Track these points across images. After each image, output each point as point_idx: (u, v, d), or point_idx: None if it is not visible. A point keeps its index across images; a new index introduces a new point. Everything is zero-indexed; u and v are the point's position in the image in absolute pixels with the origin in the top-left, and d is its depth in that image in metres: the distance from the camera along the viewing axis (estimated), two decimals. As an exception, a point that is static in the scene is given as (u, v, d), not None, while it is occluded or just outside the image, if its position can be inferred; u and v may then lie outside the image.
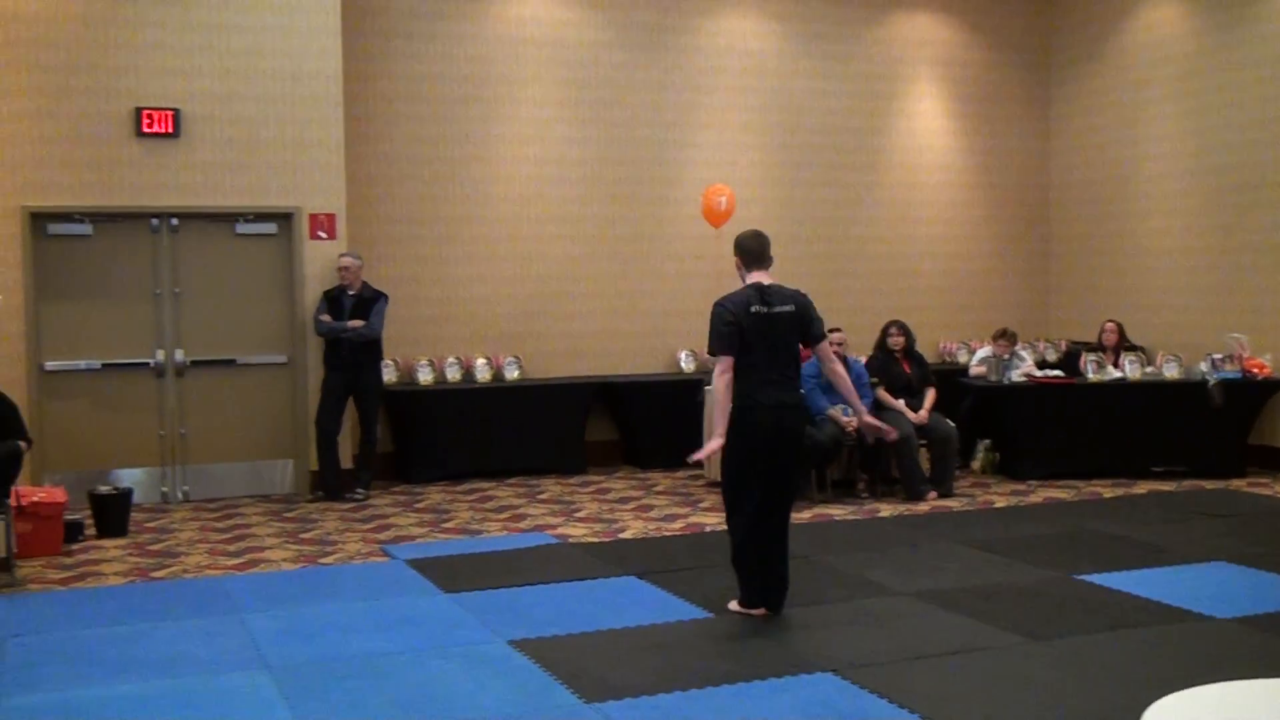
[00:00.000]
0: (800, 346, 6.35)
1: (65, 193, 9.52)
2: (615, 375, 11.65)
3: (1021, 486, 10.23)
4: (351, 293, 9.92)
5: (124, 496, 8.78)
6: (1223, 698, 3.19)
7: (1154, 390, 10.61)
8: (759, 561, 6.27)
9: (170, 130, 9.69)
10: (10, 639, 6.10)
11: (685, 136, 12.08)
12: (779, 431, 6.16)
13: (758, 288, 6.22)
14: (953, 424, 10.04)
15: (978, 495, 9.88)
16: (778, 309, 6.19)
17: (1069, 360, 11.36)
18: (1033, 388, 10.59)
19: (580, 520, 9.02)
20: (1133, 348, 11.15)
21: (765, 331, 6.14)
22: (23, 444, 7.51)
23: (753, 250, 6.33)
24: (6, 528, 7.42)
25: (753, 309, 6.14)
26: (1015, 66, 13.34)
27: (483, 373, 11.12)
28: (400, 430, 10.85)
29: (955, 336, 13.01)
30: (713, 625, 6.20)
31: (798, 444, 6.37)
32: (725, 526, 6.46)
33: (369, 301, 9.94)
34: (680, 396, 11.05)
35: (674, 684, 5.26)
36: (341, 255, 9.99)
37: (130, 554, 8.08)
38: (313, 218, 10.10)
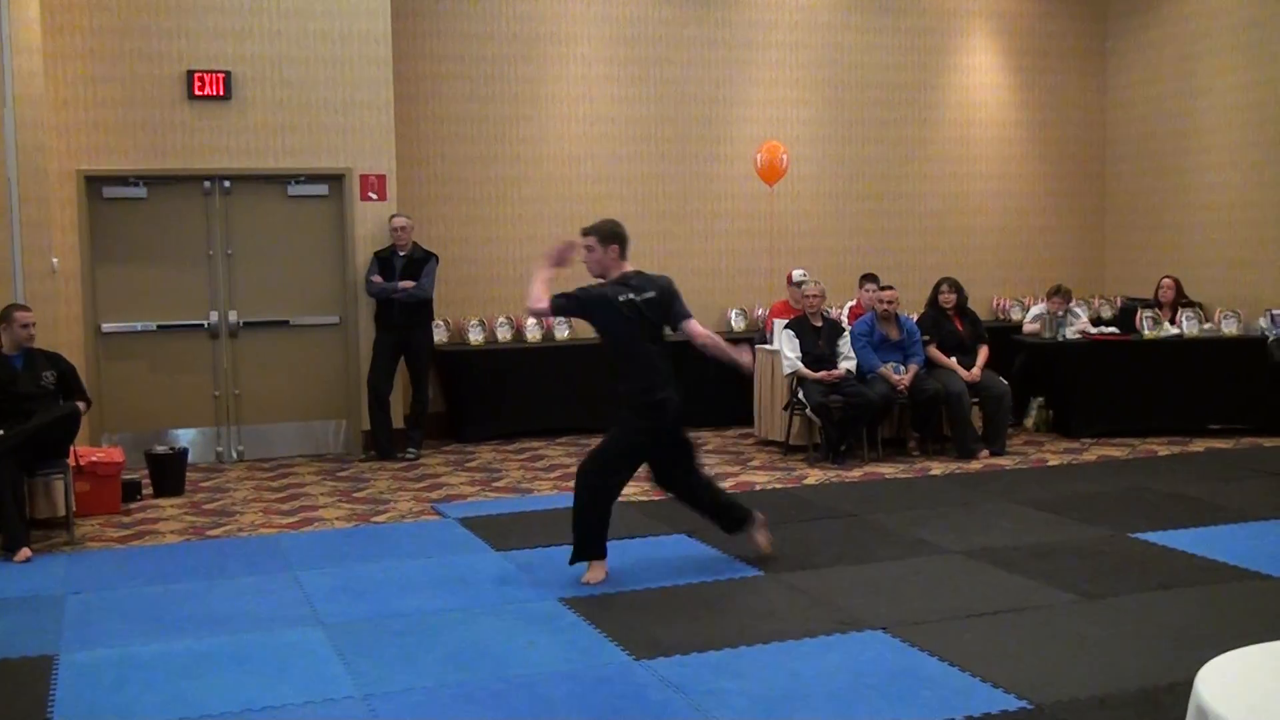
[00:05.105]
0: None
1: (119, 156, 9.60)
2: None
3: (1075, 445, 10.13)
4: (402, 253, 9.95)
5: (180, 456, 8.90)
6: (1278, 656, 3.15)
7: (1211, 347, 10.46)
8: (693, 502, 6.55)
9: (222, 93, 9.73)
10: (70, 595, 6.22)
11: (735, 94, 11.99)
12: (678, 420, 6.36)
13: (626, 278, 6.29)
14: (1005, 382, 9.95)
15: (1031, 453, 9.80)
16: (646, 295, 6.31)
17: (1124, 317, 11.20)
18: (1087, 345, 10.47)
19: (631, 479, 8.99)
20: (1190, 304, 10.98)
21: (639, 320, 6.26)
22: (82, 405, 7.59)
23: (626, 239, 6.35)
24: (66, 487, 7.54)
25: (621, 298, 6.22)
26: (1071, 18, 13.11)
27: (533, 332, 11.15)
28: (451, 390, 10.90)
29: (1009, 293, 12.87)
30: (763, 583, 6.21)
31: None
32: (657, 485, 6.65)
33: (420, 262, 9.97)
34: (731, 355, 10.99)
35: (723, 641, 5.28)
36: (393, 216, 10.02)
37: (186, 513, 8.19)
38: (363, 179, 10.13)
